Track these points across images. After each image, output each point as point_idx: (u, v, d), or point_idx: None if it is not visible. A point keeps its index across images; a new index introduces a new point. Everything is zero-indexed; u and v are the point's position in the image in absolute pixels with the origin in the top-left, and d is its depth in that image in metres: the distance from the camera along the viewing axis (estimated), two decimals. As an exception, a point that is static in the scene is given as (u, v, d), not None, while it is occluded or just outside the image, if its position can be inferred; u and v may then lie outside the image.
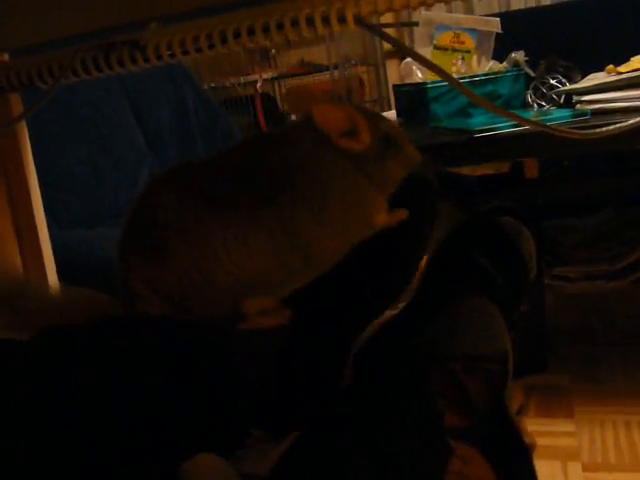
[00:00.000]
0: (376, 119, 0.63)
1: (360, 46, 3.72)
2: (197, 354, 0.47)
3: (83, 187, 1.58)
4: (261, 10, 0.68)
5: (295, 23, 0.66)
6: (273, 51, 3.83)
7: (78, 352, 0.44)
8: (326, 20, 0.65)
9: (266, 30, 0.67)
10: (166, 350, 0.46)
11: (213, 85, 3.75)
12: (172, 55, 0.73)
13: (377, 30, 0.68)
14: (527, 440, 0.47)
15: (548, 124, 1.01)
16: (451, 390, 0.47)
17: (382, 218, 0.61)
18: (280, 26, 0.67)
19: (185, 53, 0.73)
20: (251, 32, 0.68)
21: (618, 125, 0.77)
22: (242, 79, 3.77)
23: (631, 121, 0.77)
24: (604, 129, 0.76)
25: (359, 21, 0.64)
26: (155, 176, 0.63)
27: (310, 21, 0.66)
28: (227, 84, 3.78)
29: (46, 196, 0.96)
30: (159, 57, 0.73)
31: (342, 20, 0.64)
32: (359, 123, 0.60)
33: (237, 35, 0.69)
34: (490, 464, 0.43)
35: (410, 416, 0.44)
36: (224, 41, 0.69)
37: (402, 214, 0.61)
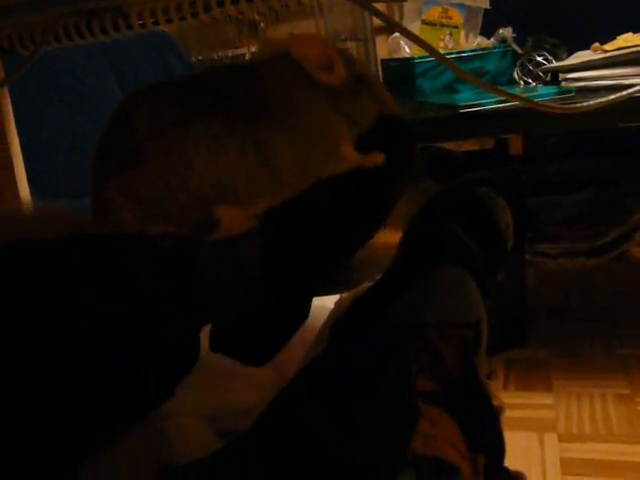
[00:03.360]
0: (353, 60, 0.65)
1: (349, 21, 3.69)
2: (164, 273, 0.47)
3: (66, 158, 1.57)
4: (245, -22, 0.67)
5: (279, -8, 0.66)
6: (262, 25, 3.78)
7: (41, 267, 0.43)
8: (310, -10, 0.65)
9: (250, -1, 0.67)
10: (132, 270, 0.46)
11: (201, 58, 3.71)
12: (155, 23, 0.72)
13: (363, 2, 0.68)
14: (495, 403, 0.49)
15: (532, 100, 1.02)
16: (424, 355, 0.49)
17: (349, 152, 0.62)
18: (264, -5, 0.67)
19: (169, 21, 0.73)
20: (235, 1, 0.68)
21: (598, 100, 0.77)
22: (230, 52, 3.72)
23: (611, 97, 0.78)
24: (584, 104, 0.76)
25: (343, -8, 0.64)
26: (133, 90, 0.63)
27: (294, -10, 0.66)
28: (215, 57, 3.74)
29: (29, 167, 0.95)
30: (142, 25, 0.73)
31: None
32: (335, 58, 0.62)
33: (221, 4, 0.69)
34: (458, 426, 0.44)
35: (382, 380, 0.45)
36: (207, 9, 0.69)
37: (378, 157, 0.63)
